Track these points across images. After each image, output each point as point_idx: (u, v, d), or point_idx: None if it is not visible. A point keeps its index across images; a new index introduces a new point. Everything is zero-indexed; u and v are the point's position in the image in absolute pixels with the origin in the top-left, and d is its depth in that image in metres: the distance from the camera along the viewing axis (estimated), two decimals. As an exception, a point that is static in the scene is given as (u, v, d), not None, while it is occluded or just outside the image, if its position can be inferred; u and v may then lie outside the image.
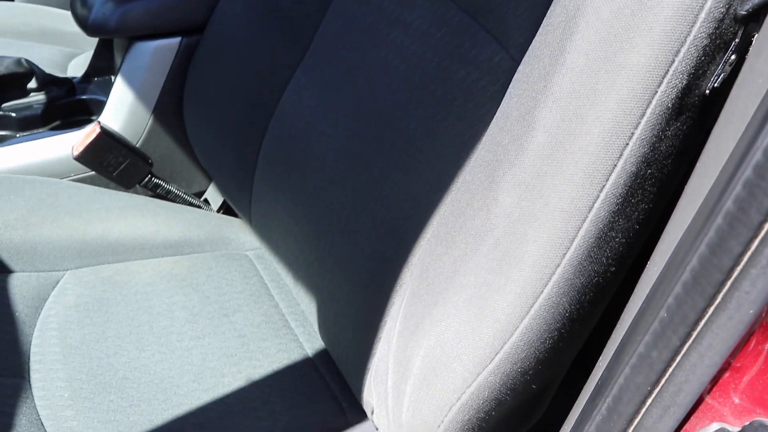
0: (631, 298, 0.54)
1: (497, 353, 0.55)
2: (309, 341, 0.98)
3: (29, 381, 0.84)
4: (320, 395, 0.89)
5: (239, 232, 1.20)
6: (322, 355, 0.96)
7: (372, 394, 0.75)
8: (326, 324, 0.93)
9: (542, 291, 0.52)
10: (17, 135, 1.30)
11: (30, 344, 0.90)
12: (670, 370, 0.42)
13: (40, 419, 0.79)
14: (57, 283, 1.01)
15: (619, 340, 0.48)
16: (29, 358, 0.87)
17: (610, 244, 0.54)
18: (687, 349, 0.41)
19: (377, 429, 0.80)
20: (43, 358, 0.87)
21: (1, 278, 0.99)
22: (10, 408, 0.79)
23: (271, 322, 1.00)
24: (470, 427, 0.59)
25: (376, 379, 0.73)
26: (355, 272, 0.80)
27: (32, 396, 0.82)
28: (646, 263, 0.55)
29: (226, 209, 1.35)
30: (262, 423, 0.83)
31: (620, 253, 0.56)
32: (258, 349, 0.94)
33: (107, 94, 1.28)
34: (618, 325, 0.54)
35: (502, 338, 0.54)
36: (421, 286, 0.63)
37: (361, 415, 0.88)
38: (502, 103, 0.62)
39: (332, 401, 0.89)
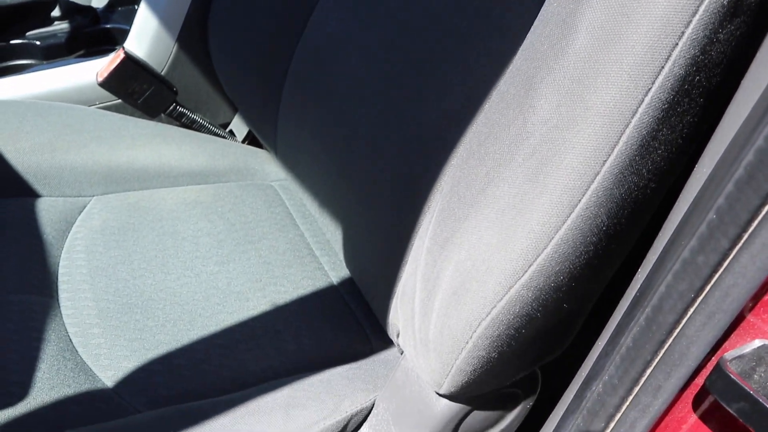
0: (675, 205, 0.51)
1: (531, 265, 0.53)
2: (334, 270, 0.97)
3: (57, 300, 0.85)
4: (345, 322, 0.89)
5: (264, 163, 1.18)
6: (347, 284, 0.95)
7: (398, 316, 0.74)
8: (351, 251, 0.92)
9: (580, 200, 0.50)
10: (42, 63, 1.29)
11: (58, 266, 0.90)
12: (717, 274, 0.40)
13: (68, 335, 0.80)
14: (83, 208, 1.01)
15: (660, 249, 0.46)
16: (57, 279, 0.88)
17: (652, 155, 0.51)
18: (737, 252, 0.38)
19: (402, 353, 0.79)
20: (70, 279, 0.88)
21: (29, 202, 0.99)
22: (40, 324, 0.79)
23: (296, 250, 0.99)
24: (499, 344, 0.58)
25: (402, 300, 0.71)
26: (382, 195, 0.78)
27: (60, 314, 0.83)
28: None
29: (251, 140, 1.34)
30: (286, 346, 0.83)
31: (661, 168, 0.53)
32: (283, 276, 0.94)
33: (131, 23, 1.26)
34: (660, 234, 0.52)
35: (536, 250, 0.52)
36: (452, 201, 0.61)
37: (385, 343, 0.87)
38: (541, 10, 0.59)
39: (357, 328, 0.89)
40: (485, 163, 0.57)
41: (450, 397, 0.70)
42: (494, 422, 0.79)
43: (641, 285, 0.46)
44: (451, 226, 0.61)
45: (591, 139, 0.49)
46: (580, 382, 0.57)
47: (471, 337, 0.58)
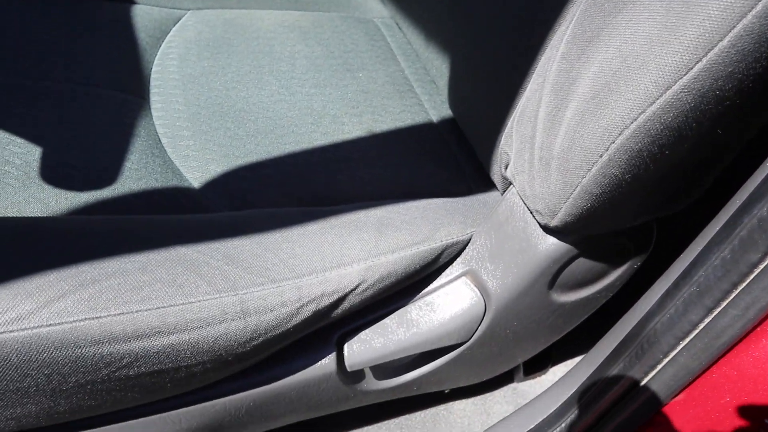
0: None
1: (698, 61, 0.44)
2: (434, 108, 0.90)
3: (149, 102, 0.81)
4: (443, 159, 0.83)
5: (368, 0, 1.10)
6: (448, 124, 0.88)
7: (510, 143, 0.66)
8: (457, 89, 0.84)
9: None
10: None
11: (150, 71, 0.86)
12: None
13: (157, 135, 0.76)
14: (178, 20, 0.96)
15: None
16: (149, 83, 0.84)
17: None
18: None
19: (505, 191, 0.73)
20: (162, 84, 0.84)
21: (124, 7, 0.94)
22: (131, 121, 0.76)
23: (396, 84, 0.92)
24: (636, 164, 0.50)
25: (520, 122, 0.64)
26: (502, 26, 0.69)
27: (151, 115, 0.79)
28: None
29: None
30: (381, 173, 0.78)
31: None
32: (381, 106, 0.87)
33: None
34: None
35: (710, 42, 0.43)
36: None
37: (484, 185, 0.80)
38: None
39: (455, 167, 0.82)
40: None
41: (560, 232, 0.64)
42: (597, 276, 0.72)
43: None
44: (598, 23, 0.52)
45: None
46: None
47: (607, 150, 0.50)
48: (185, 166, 0.73)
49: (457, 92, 0.84)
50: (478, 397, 0.97)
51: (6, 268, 0.50)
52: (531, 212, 0.66)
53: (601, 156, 0.51)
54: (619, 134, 0.49)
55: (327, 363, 0.68)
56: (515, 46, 0.69)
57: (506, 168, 0.70)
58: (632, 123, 0.48)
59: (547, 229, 0.65)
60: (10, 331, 0.47)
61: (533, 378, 0.98)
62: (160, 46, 0.90)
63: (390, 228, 0.67)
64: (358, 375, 0.73)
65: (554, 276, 0.69)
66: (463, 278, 0.72)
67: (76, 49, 0.81)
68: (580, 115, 0.52)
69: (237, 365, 0.60)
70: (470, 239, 0.71)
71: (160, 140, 0.75)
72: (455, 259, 0.72)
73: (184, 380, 0.58)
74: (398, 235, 0.66)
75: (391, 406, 0.94)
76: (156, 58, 0.88)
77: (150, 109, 0.80)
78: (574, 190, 0.55)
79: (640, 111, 0.47)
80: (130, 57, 0.85)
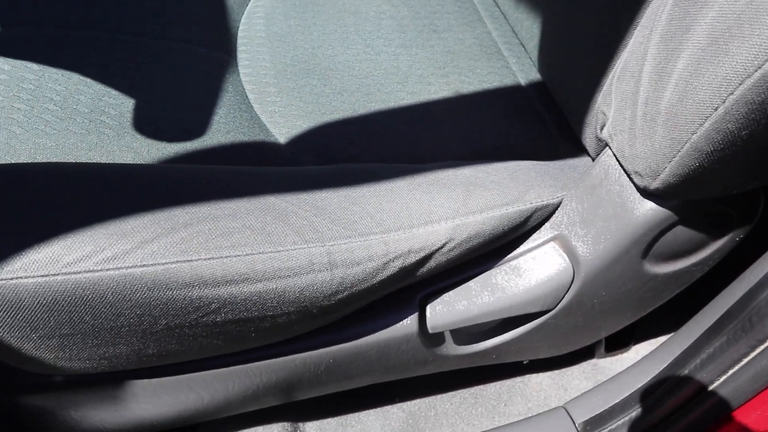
0: None
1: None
2: (522, 71, 0.87)
3: (236, 59, 0.81)
4: (531, 122, 0.80)
5: (454, -41, 1.07)
6: (536, 87, 0.85)
7: (608, 102, 0.63)
8: (548, 50, 0.81)
9: None
10: None
11: (237, 29, 0.86)
12: None
13: (244, 91, 0.76)
14: (265, -20, 0.96)
15: None
16: (236, 40, 0.84)
17: None
18: None
19: (597, 155, 0.70)
20: (249, 41, 0.84)
21: (211, -33, 0.95)
22: (219, 76, 0.76)
23: (483, 46, 0.89)
24: (756, 118, 0.46)
25: (620, 79, 0.61)
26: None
27: (238, 72, 0.79)
28: None
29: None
30: (467, 134, 0.76)
31: None
32: (468, 67, 0.85)
33: None
34: None
35: None
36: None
37: (574, 149, 0.77)
38: None
39: (543, 130, 0.79)
40: None
41: (660, 195, 0.60)
42: (696, 247, 0.69)
43: None
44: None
45: None
46: None
47: (724, 102, 0.46)
48: (271, 121, 0.73)
49: (548, 54, 0.81)
50: (556, 371, 0.95)
51: (103, 210, 0.51)
52: (628, 175, 0.63)
53: (716, 109, 0.47)
54: (740, 84, 0.45)
55: (409, 323, 0.67)
56: (615, 2, 0.66)
57: (602, 129, 0.66)
58: (756, 71, 0.44)
59: (645, 193, 0.62)
60: (107, 270, 0.48)
61: (614, 355, 0.95)
62: (248, 4, 0.90)
63: (478, 188, 0.65)
64: (438, 338, 0.72)
65: (649, 244, 0.65)
66: (552, 243, 0.69)
67: (169, 6, 0.82)
68: (695, 64, 0.48)
69: (321, 319, 0.60)
70: (560, 203, 0.69)
71: (246, 96, 0.76)
72: (543, 223, 0.70)
73: (268, 331, 0.58)
74: (487, 195, 0.64)
75: (464, 375, 0.92)
76: (243, 16, 0.88)
77: (237, 66, 0.80)
78: (682, 148, 0.52)
79: (766, 57, 0.43)
80: (218, 15, 0.86)
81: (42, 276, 0.47)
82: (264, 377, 0.67)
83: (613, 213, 0.64)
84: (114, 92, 0.68)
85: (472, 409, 0.91)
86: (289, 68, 0.79)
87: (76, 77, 0.68)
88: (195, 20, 0.83)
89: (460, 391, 0.93)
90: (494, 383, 0.94)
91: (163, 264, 0.49)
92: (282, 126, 0.72)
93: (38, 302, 0.48)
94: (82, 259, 0.48)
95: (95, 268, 0.48)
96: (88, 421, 0.68)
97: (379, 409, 0.90)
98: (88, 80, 0.69)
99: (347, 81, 0.79)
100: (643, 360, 0.79)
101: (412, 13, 0.92)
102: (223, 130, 0.69)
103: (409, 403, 0.91)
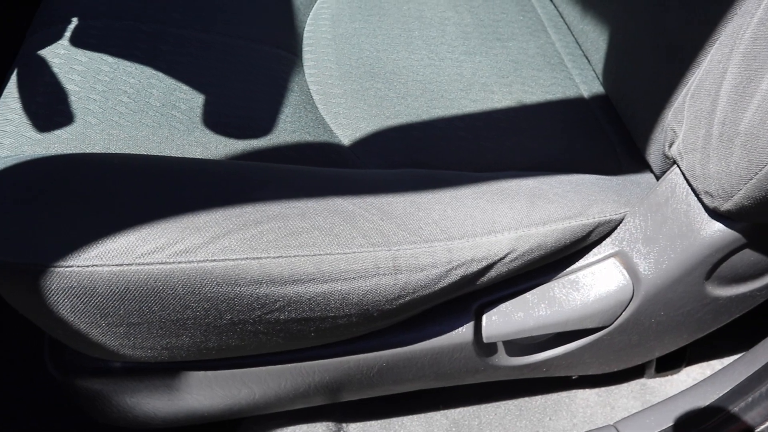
0: None
1: None
2: (585, 83, 0.86)
3: (301, 59, 0.82)
4: (594, 135, 0.79)
5: (519, -33, 1.06)
6: (599, 100, 0.84)
7: (680, 119, 0.62)
8: (614, 64, 0.80)
9: None
10: None
11: (303, 29, 0.87)
12: None
13: (309, 91, 0.77)
14: (331, -19, 0.97)
15: None
16: (302, 41, 0.85)
17: None
18: None
19: (664, 172, 0.69)
20: (314, 42, 0.85)
21: (279, -33, 0.96)
22: (285, 76, 0.77)
23: (546, 56, 0.89)
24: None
25: (695, 97, 0.60)
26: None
27: (303, 72, 0.80)
28: None
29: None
30: (530, 144, 0.75)
31: None
32: (531, 77, 0.84)
33: None
34: None
35: None
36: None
37: (637, 165, 0.76)
38: None
39: (606, 144, 0.78)
40: None
41: (730, 217, 0.59)
42: (762, 271, 0.67)
43: None
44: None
45: None
46: None
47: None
48: (335, 123, 0.73)
49: (614, 66, 0.80)
50: (603, 389, 0.93)
51: (176, 203, 0.52)
52: (697, 195, 0.62)
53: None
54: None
55: (464, 332, 0.67)
56: (691, 18, 0.65)
57: (670, 146, 0.65)
58: None
59: (714, 214, 0.61)
60: (179, 262, 0.49)
61: (664, 376, 0.93)
62: (314, 5, 0.91)
63: (542, 199, 0.64)
64: (491, 348, 0.72)
65: (714, 266, 0.64)
66: (612, 259, 0.68)
67: (237, 5, 0.83)
68: None
69: (380, 322, 0.60)
70: (623, 219, 0.68)
71: (311, 96, 0.76)
72: (604, 239, 0.69)
73: (328, 331, 0.59)
74: (550, 207, 0.64)
75: (510, 386, 0.92)
76: (309, 17, 0.89)
77: (302, 66, 0.81)
78: (760, 171, 0.51)
79: None
80: (285, 15, 0.87)
81: (116, 265, 0.49)
82: (316, 376, 0.67)
83: (679, 232, 0.63)
84: (184, 87, 0.69)
85: (517, 421, 0.91)
86: (353, 70, 0.80)
87: (148, 71, 0.70)
88: (262, 19, 0.84)
89: (504, 401, 0.92)
90: (540, 396, 0.93)
91: (233, 260, 0.50)
92: (346, 128, 0.73)
93: (111, 290, 0.49)
94: (155, 250, 0.49)
95: (168, 260, 0.49)
96: (141, 408, 0.69)
97: (422, 415, 0.90)
98: (160, 74, 0.70)
99: (411, 86, 0.79)
100: (699, 385, 0.77)
101: (476, 21, 0.92)
102: (289, 129, 0.70)
103: (453, 410, 0.91)
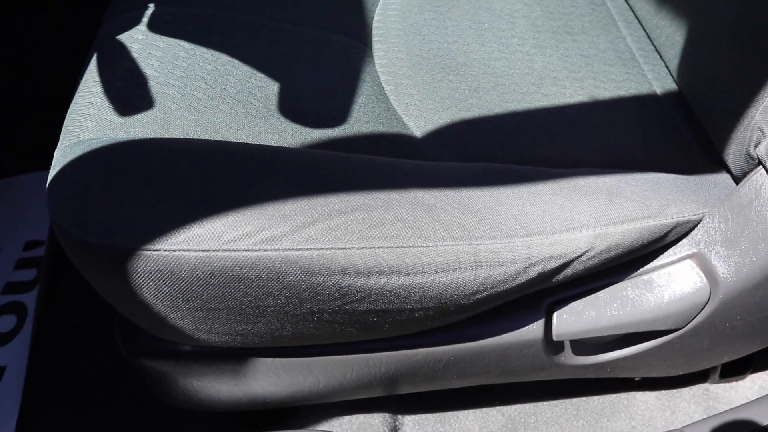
0: None
1: None
2: (657, 79, 0.84)
3: (371, 49, 0.82)
4: (668, 133, 0.77)
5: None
6: (673, 96, 0.82)
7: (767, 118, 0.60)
8: (689, 60, 0.78)
9: None
10: None
11: (372, 19, 0.87)
12: None
13: (380, 82, 0.77)
14: (398, -28, 0.96)
15: None
16: (371, 30, 0.85)
17: None
18: None
19: (747, 173, 0.67)
20: (384, 33, 0.84)
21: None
22: (356, 66, 0.77)
23: (618, 51, 0.87)
24: None
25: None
26: None
27: (374, 62, 0.80)
28: None
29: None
30: (604, 140, 0.74)
31: None
32: (603, 72, 0.83)
33: None
34: None
35: None
36: None
37: (713, 165, 0.74)
38: None
39: (681, 142, 0.76)
40: None
41: (822, 222, 0.57)
42: None
43: None
44: None
45: None
46: None
47: None
48: (407, 114, 0.73)
49: (691, 63, 0.78)
50: (664, 392, 0.92)
51: (262, 191, 0.52)
52: (785, 197, 0.60)
53: None
54: None
55: (534, 329, 0.66)
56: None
57: (756, 146, 0.64)
58: None
59: (805, 217, 0.59)
60: (264, 250, 0.49)
61: (728, 382, 0.91)
62: (382, -5, 0.90)
63: (620, 198, 0.63)
64: (558, 346, 0.71)
65: (799, 274, 0.62)
66: (689, 261, 0.67)
67: (307, -8, 0.83)
68: None
69: (455, 316, 0.60)
70: (701, 220, 0.66)
71: (383, 87, 0.76)
72: (680, 240, 0.67)
73: (402, 324, 0.59)
74: (628, 205, 0.62)
75: (567, 385, 0.90)
76: (378, 7, 0.88)
77: (373, 56, 0.80)
78: None
79: None
80: (355, 4, 0.86)
81: (203, 251, 0.49)
82: (383, 368, 0.67)
83: (763, 236, 0.62)
84: (259, 74, 0.70)
85: (574, 421, 0.90)
86: (424, 62, 0.79)
87: (224, 57, 0.70)
88: (332, 8, 0.84)
89: (562, 400, 0.91)
90: (598, 396, 0.92)
91: (318, 249, 0.50)
92: (417, 119, 0.72)
93: (196, 275, 0.50)
94: (242, 237, 0.49)
95: (254, 247, 0.49)
96: (205, 392, 0.70)
97: (479, 410, 0.90)
98: (235, 61, 0.70)
99: (482, 78, 0.78)
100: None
101: (546, 13, 0.90)
102: (362, 119, 0.69)
103: (509, 407, 0.90)
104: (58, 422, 0.90)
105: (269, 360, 0.66)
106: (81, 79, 0.67)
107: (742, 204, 0.64)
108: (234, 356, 0.66)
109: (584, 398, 0.92)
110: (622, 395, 0.92)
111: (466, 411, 0.90)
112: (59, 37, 1.24)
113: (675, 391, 0.91)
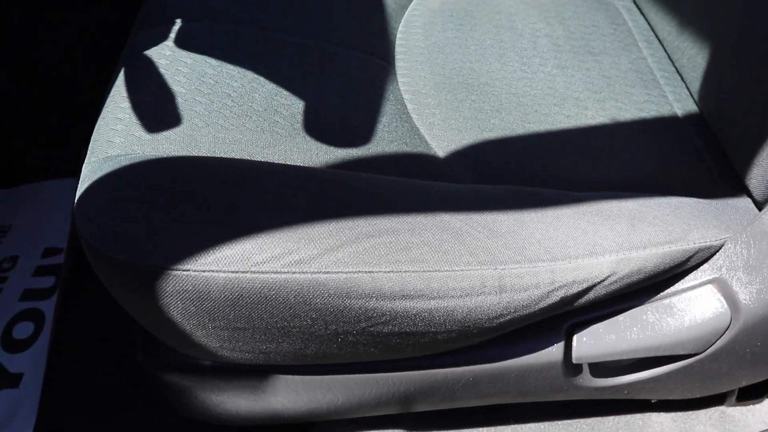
0: None
1: None
2: (678, 101, 0.84)
3: (394, 67, 0.82)
4: (688, 156, 0.77)
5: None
6: (693, 118, 0.82)
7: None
8: (710, 82, 0.78)
9: None
10: None
11: (395, 36, 0.87)
12: None
13: (403, 101, 0.77)
14: (420, -12, 0.96)
15: None
16: (394, 48, 0.85)
17: None
18: None
19: (766, 200, 0.67)
20: (407, 51, 0.85)
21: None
22: (379, 83, 0.78)
23: (639, 72, 0.87)
24: None
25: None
26: None
27: (396, 80, 0.80)
28: None
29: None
30: (624, 163, 0.74)
31: None
32: (624, 93, 0.83)
33: None
34: None
35: None
36: None
37: (733, 189, 0.74)
38: None
39: (701, 165, 0.76)
40: None
41: None
42: None
43: None
44: None
45: None
46: None
47: None
48: (430, 134, 0.73)
49: (714, 85, 0.78)
50: (680, 414, 0.91)
51: (290, 212, 0.52)
52: (809, 226, 0.60)
53: None
54: None
55: (554, 351, 0.66)
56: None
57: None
58: None
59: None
60: (293, 273, 0.50)
61: (746, 405, 0.91)
62: (405, 12, 0.91)
63: (642, 222, 0.63)
64: (576, 368, 0.71)
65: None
66: (710, 286, 0.67)
67: (332, 11, 0.84)
68: None
69: (476, 338, 0.60)
70: (722, 245, 0.66)
71: (406, 106, 0.76)
72: (701, 264, 0.67)
73: (425, 345, 0.59)
74: (651, 230, 0.63)
75: (582, 405, 0.90)
76: (401, 24, 0.89)
77: (395, 74, 0.81)
78: None
79: None
80: (377, 22, 0.87)
81: (232, 272, 0.49)
82: (402, 387, 0.68)
83: (786, 263, 0.62)
84: (285, 92, 0.70)
85: (589, 441, 0.90)
86: (447, 81, 0.80)
87: (250, 75, 0.71)
88: (356, 26, 0.84)
89: (576, 420, 0.91)
90: (612, 417, 0.91)
91: (345, 273, 0.50)
92: (441, 139, 0.73)
93: (224, 296, 0.50)
94: (271, 259, 0.50)
95: (282, 270, 0.50)
96: (224, 407, 0.70)
97: (492, 428, 0.90)
98: (261, 79, 0.71)
99: (505, 99, 0.78)
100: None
101: (567, 33, 0.91)
102: (386, 138, 0.70)
103: (523, 425, 0.90)
104: (75, 430, 0.91)
105: (289, 377, 0.66)
106: (109, 92, 0.68)
107: (765, 231, 0.64)
108: (254, 372, 0.66)
109: (599, 418, 0.92)
110: (638, 416, 0.92)
111: (480, 428, 0.90)
112: (79, 43, 1.25)
113: (691, 413, 0.91)
